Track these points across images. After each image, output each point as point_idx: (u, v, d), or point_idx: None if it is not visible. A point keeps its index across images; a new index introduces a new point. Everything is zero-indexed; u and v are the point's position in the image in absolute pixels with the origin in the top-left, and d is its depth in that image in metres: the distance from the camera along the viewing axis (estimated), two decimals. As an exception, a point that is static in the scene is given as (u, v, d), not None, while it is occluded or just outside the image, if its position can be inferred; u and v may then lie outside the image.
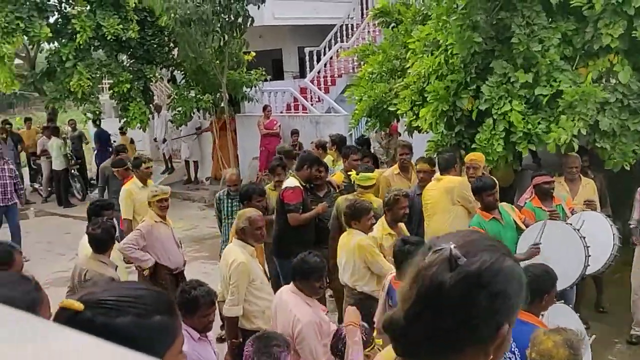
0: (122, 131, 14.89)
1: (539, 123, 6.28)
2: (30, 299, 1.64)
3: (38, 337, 0.57)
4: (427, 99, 7.18)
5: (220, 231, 7.05)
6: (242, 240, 4.82)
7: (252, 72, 13.71)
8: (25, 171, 16.02)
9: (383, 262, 4.99)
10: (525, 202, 6.17)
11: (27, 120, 17.49)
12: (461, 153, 7.00)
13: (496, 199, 5.64)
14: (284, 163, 7.35)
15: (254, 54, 13.91)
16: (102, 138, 14.96)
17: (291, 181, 6.42)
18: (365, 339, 3.61)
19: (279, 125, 13.19)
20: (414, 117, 7.58)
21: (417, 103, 7.55)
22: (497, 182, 5.91)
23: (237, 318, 4.67)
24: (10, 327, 0.54)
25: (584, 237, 5.24)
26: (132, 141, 15.27)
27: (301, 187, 6.30)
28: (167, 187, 6.20)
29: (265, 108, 13.42)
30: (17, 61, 15.40)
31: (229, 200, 6.80)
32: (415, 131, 7.95)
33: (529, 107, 6.46)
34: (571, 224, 5.43)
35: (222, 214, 6.89)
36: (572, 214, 5.82)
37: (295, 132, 12.52)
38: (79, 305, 1.16)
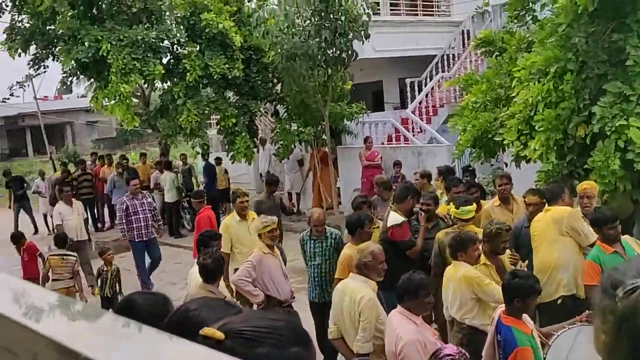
0: (218, 162, 15.50)
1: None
2: None
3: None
4: (536, 128, 6.94)
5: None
6: (364, 275, 4.79)
7: (353, 105, 13.88)
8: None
9: (493, 288, 4.78)
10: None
11: (142, 155, 18.55)
12: (573, 183, 6.67)
13: (618, 232, 5.30)
14: (369, 201, 7.27)
15: (350, 82, 14.10)
16: (210, 171, 15.58)
17: (394, 217, 6.23)
18: None
19: (380, 157, 13.18)
20: (522, 146, 7.34)
21: (524, 132, 7.32)
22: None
23: (369, 354, 4.66)
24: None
25: None
26: (225, 171, 15.79)
27: (406, 220, 6.17)
28: (274, 217, 6.33)
29: (366, 140, 13.47)
30: (134, 101, 16.54)
31: (312, 242, 6.50)
32: (522, 161, 7.69)
33: (647, 125, 6.09)
34: None
35: (306, 255, 6.61)
36: None
37: (397, 164, 12.46)
38: (220, 335, 1.19)
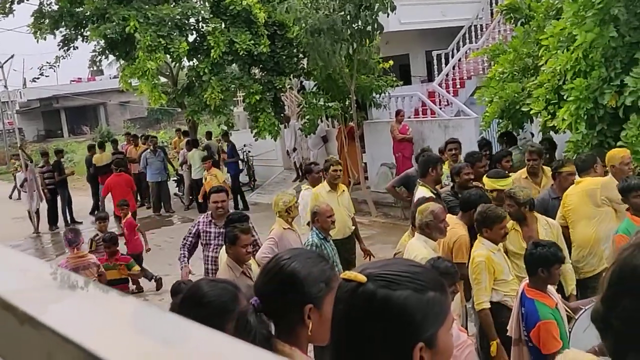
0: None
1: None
2: (327, 276, 1.80)
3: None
4: (565, 98, 6.77)
5: None
6: (425, 234, 4.77)
7: (382, 78, 13.71)
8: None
9: (479, 291, 4.60)
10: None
11: (178, 130, 18.77)
12: (604, 153, 6.49)
13: None
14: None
15: (391, 62, 13.91)
16: (230, 149, 15.64)
17: (421, 192, 6.02)
18: None
19: (410, 131, 13.03)
20: (550, 116, 7.17)
21: (552, 102, 7.15)
22: None
23: None
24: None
25: None
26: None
27: (432, 197, 5.88)
28: (292, 194, 6.31)
29: (398, 113, 13.21)
30: (162, 80, 16.65)
31: (327, 244, 5.76)
32: (551, 131, 7.52)
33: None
34: None
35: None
36: None
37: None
38: (362, 278, 1.24)
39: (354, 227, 7.23)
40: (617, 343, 1.15)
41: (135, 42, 13.11)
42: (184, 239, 6.32)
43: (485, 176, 6.01)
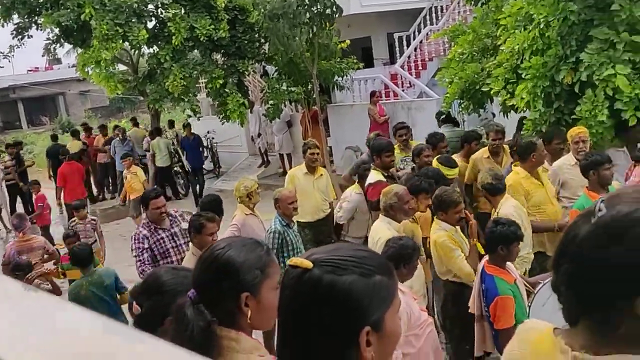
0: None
1: (646, 87, 5.81)
2: (263, 263, 1.79)
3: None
4: (523, 76, 6.85)
5: None
6: (389, 216, 4.80)
7: (344, 60, 13.69)
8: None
9: (460, 266, 4.61)
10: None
11: (132, 120, 18.48)
12: (561, 130, 6.61)
13: (613, 173, 5.21)
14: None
15: (348, 42, 13.87)
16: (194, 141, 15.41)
17: (372, 176, 6.16)
18: None
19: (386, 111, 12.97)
20: (509, 95, 7.26)
21: (511, 81, 7.23)
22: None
23: None
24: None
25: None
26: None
27: (383, 180, 5.99)
28: (253, 180, 6.29)
29: (373, 94, 13.13)
30: (123, 67, 16.34)
31: (290, 231, 5.64)
32: (510, 110, 7.62)
33: (635, 73, 5.99)
34: None
35: (285, 251, 5.53)
36: None
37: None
38: (308, 263, 1.24)
39: (329, 210, 7.17)
40: (568, 308, 1.18)
41: (91, 30, 12.81)
42: (139, 259, 5.52)
43: (436, 159, 6.04)
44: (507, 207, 4.96)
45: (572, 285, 1.15)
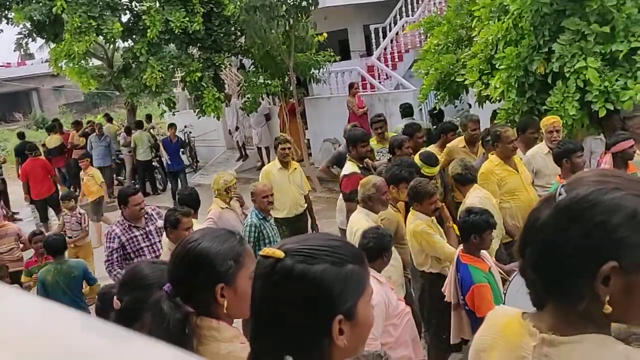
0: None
1: (616, 80, 5.90)
2: (236, 252, 1.79)
3: None
4: (497, 67, 6.91)
5: None
6: (368, 208, 4.82)
7: (320, 53, 13.67)
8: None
9: (442, 246, 4.66)
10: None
11: (105, 116, 18.29)
12: (535, 120, 6.68)
13: (584, 162, 5.31)
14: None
15: (325, 35, 13.85)
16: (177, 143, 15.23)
17: (347, 167, 6.18)
18: None
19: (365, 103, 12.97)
20: (483, 86, 7.32)
21: (485, 72, 7.30)
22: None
23: None
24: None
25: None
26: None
27: (358, 172, 5.99)
28: (232, 175, 6.27)
29: (352, 86, 13.10)
30: (97, 62, 16.13)
31: (267, 224, 5.69)
32: (485, 101, 7.68)
33: (606, 64, 6.07)
34: None
35: (262, 244, 5.51)
36: None
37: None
38: (280, 253, 1.25)
39: (306, 205, 7.20)
40: (534, 292, 1.21)
41: (64, 24, 12.62)
42: (108, 259, 5.45)
43: (417, 155, 6.05)
44: (472, 198, 5.03)
45: (537, 268, 1.17)
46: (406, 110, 9.56)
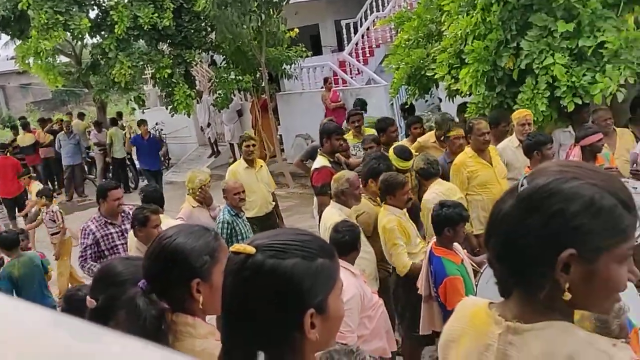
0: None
1: (584, 75, 6.00)
2: (211, 248, 1.79)
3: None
4: (466, 61, 6.97)
5: None
6: (341, 202, 4.84)
7: (292, 49, 13.64)
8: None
9: (399, 254, 4.63)
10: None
11: (80, 115, 17.99)
12: (506, 113, 6.77)
13: (554, 153, 5.39)
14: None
15: (297, 30, 13.82)
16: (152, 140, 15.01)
17: (318, 161, 6.16)
18: None
19: (341, 96, 12.99)
20: (453, 80, 7.39)
21: (455, 66, 7.36)
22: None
23: None
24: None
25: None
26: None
27: (329, 166, 5.98)
28: (206, 173, 6.25)
29: (326, 80, 13.12)
30: (65, 59, 15.86)
31: (240, 220, 5.67)
32: (455, 95, 7.76)
33: (573, 60, 6.18)
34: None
35: (235, 240, 5.38)
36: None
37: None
38: (251, 249, 1.26)
39: (274, 203, 7.17)
40: (501, 281, 1.24)
41: (29, 20, 12.38)
42: (81, 255, 5.39)
43: (391, 149, 6.08)
44: (429, 193, 5.11)
45: (501, 258, 1.20)
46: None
